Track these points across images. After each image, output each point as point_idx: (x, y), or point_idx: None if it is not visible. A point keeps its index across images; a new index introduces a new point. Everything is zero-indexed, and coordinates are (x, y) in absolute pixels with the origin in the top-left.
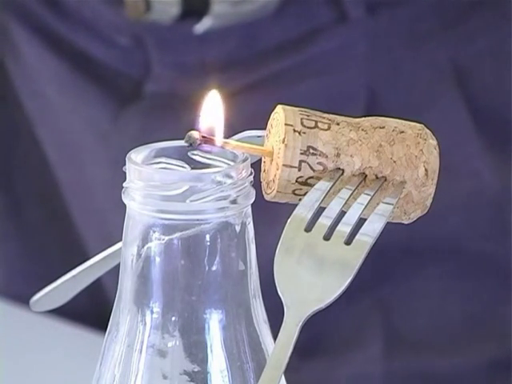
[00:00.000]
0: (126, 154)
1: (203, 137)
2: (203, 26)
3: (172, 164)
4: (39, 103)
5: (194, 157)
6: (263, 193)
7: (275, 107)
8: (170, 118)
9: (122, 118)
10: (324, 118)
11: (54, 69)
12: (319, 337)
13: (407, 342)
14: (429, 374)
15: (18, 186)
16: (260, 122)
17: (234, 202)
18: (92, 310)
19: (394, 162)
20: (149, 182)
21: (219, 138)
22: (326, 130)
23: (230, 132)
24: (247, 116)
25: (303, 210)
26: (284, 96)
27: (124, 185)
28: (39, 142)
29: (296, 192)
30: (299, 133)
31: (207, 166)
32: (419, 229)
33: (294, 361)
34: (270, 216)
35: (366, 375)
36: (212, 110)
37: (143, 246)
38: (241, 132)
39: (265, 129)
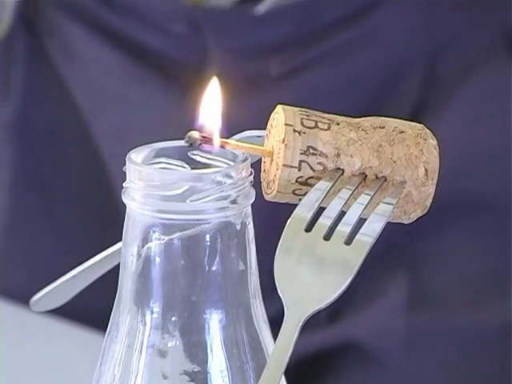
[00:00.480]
0: None
1: (203, 137)
2: (264, 6)
3: (172, 164)
4: (97, 100)
5: (193, 157)
6: (263, 193)
7: (277, 106)
8: (231, 105)
9: (186, 105)
10: (324, 118)
11: (112, 63)
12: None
13: (431, 297)
14: (451, 330)
15: (71, 184)
16: (323, 99)
17: (234, 202)
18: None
19: (394, 162)
20: (149, 182)
21: (219, 138)
22: (326, 129)
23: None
24: (310, 93)
25: (303, 210)
26: (342, 70)
27: (124, 185)
28: (92, 138)
29: (296, 192)
30: (299, 133)
31: (207, 165)
32: (448, 184)
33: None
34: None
35: (388, 328)
36: (212, 105)
37: (143, 246)
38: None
39: (320, 110)
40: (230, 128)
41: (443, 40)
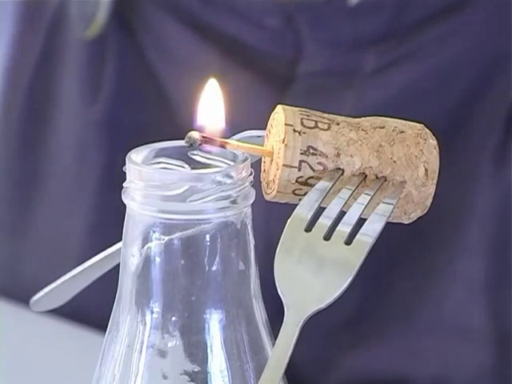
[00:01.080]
0: None
1: (203, 137)
2: None
3: (172, 164)
4: (192, 97)
5: (193, 157)
6: (263, 193)
7: (276, 108)
8: (329, 98)
9: (281, 100)
10: (324, 117)
11: (206, 60)
12: None
13: None
14: None
15: None
16: (416, 93)
17: (234, 202)
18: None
19: (394, 162)
20: (149, 182)
21: (219, 138)
22: (326, 129)
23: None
24: (403, 89)
25: (303, 210)
26: (436, 64)
27: (124, 185)
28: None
29: (296, 192)
30: (299, 133)
31: (207, 165)
32: None
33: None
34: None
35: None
36: (212, 104)
37: (143, 246)
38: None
39: (414, 105)
40: None
41: None
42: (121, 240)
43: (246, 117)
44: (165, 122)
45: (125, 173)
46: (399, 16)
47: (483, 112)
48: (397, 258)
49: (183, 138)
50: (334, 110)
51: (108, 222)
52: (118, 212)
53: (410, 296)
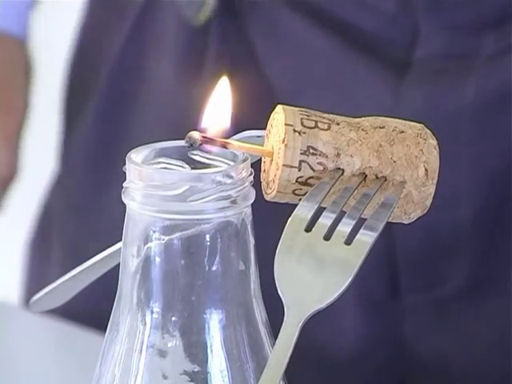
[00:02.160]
0: None
1: (203, 137)
2: None
3: (172, 164)
4: (298, 83)
5: (193, 157)
6: (263, 193)
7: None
8: (449, 83)
9: (402, 90)
10: (324, 117)
11: (317, 45)
12: None
13: None
14: None
15: None
16: None
17: (234, 202)
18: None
19: (394, 161)
20: (149, 182)
21: (219, 138)
22: (326, 129)
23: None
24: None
25: (303, 210)
26: None
27: (124, 185)
28: None
29: (296, 192)
30: (299, 133)
31: (207, 165)
32: None
33: None
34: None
35: None
36: (219, 105)
37: (143, 246)
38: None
39: None
40: (438, 104)
41: None
42: (121, 240)
43: (363, 102)
44: (267, 106)
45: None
46: None
47: None
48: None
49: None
50: (455, 96)
51: None
52: None
53: None
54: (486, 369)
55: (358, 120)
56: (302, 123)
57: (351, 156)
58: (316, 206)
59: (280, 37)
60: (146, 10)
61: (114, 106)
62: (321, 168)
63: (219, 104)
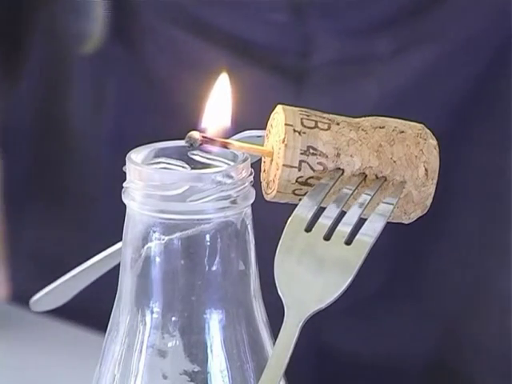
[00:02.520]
0: None
1: (203, 137)
2: None
3: (172, 164)
4: (200, 101)
5: (193, 157)
6: (263, 193)
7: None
8: (349, 88)
9: (303, 98)
10: (324, 117)
11: (213, 61)
12: None
13: None
14: None
15: None
16: (434, 74)
17: (234, 202)
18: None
19: (394, 161)
20: (149, 182)
21: (219, 138)
22: (326, 129)
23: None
24: (421, 69)
25: (303, 210)
26: (454, 38)
27: (124, 185)
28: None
29: (296, 192)
30: (299, 133)
31: (207, 165)
32: None
33: None
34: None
35: None
36: (219, 103)
37: (143, 246)
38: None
39: (435, 86)
40: (344, 108)
41: None
42: (121, 240)
43: (261, 114)
44: (174, 129)
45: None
46: None
47: (507, 79)
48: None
49: (183, 138)
50: (356, 100)
51: (118, 228)
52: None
53: None
54: (404, 365)
55: (357, 120)
56: (302, 123)
57: (351, 156)
58: (316, 206)
59: (178, 59)
60: (50, 41)
61: (43, 145)
62: (321, 168)
63: (218, 103)
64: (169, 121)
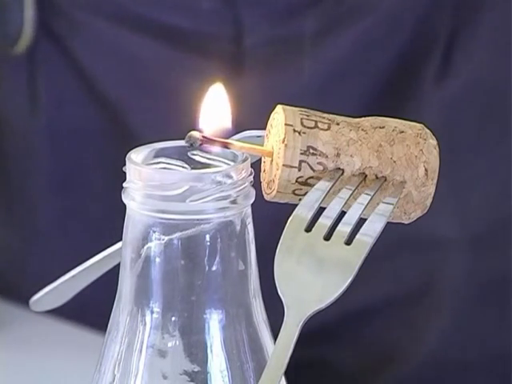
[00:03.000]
0: None
1: (203, 137)
2: None
3: (172, 164)
4: (132, 92)
5: (193, 157)
6: (263, 193)
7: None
8: (283, 67)
9: (240, 82)
10: (324, 117)
11: (143, 52)
12: None
13: None
14: None
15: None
16: (361, 52)
17: (234, 202)
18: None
19: (394, 161)
20: (149, 182)
21: (219, 138)
22: (326, 130)
23: None
24: (349, 48)
25: (303, 210)
26: (379, 11)
27: (124, 185)
28: (128, 133)
29: (296, 192)
30: (299, 133)
31: (207, 165)
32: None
33: None
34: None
35: None
36: (216, 105)
37: (143, 246)
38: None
39: (362, 64)
40: (281, 89)
41: None
42: (121, 240)
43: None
44: (108, 122)
45: (71, 175)
46: None
47: (425, 44)
48: None
49: (127, 134)
50: (293, 79)
51: (60, 226)
52: (69, 215)
53: None
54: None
55: (357, 120)
56: (301, 123)
57: (351, 156)
58: (316, 206)
59: (107, 52)
60: None
61: None
62: (321, 168)
63: (217, 105)
64: (103, 113)
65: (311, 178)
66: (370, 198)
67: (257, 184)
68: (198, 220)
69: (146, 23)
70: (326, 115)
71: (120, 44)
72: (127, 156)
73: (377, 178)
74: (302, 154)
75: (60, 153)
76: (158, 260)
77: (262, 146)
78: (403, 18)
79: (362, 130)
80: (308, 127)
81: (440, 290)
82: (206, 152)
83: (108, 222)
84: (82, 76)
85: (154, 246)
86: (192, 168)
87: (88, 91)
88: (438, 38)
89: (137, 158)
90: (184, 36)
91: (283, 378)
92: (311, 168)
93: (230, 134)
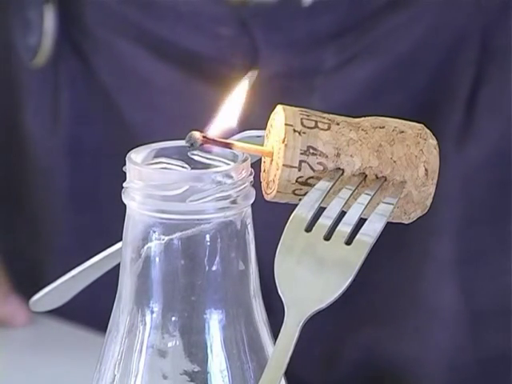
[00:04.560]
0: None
1: (204, 137)
2: None
3: (172, 164)
4: (150, 115)
5: (193, 157)
6: (263, 193)
7: (274, 107)
8: (293, 101)
9: (247, 109)
10: (324, 117)
11: (161, 75)
12: None
13: None
14: None
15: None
16: (380, 86)
17: (234, 202)
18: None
19: (394, 161)
20: (149, 182)
21: (220, 139)
22: (326, 129)
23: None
24: (364, 82)
25: (303, 210)
26: (397, 55)
27: (124, 185)
28: None
29: (296, 192)
30: (299, 133)
31: (207, 165)
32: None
33: None
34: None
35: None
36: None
37: (143, 246)
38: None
39: (381, 97)
40: None
41: (496, 12)
42: (121, 240)
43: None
44: (125, 142)
45: (90, 195)
46: (354, 10)
47: (446, 92)
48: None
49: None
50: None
51: (79, 244)
52: (88, 233)
53: (388, 279)
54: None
55: (357, 120)
56: (301, 123)
57: (351, 156)
58: (316, 206)
59: (127, 72)
60: (5, 55)
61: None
62: (321, 168)
63: (227, 106)
64: (120, 133)
65: (311, 178)
66: (370, 197)
67: (257, 184)
68: (198, 220)
69: (166, 47)
70: (326, 115)
71: (139, 66)
72: (127, 156)
73: (377, 177)
74: (302, 153)
75: (80, 170)
76: (158, 260)
77: (262, 145)
78: (421, 61)
79: (362, 129)
80: (308, 127)
81: None
82: (206, 152)
83: None
84: (102, 94)
85: (154, 245)
86: (192, 168)
87: (108, 110)
88: (459, 89)
89: (137, 158)
90: (201, 61)
91: (283, 378)
92: (311, 168)
93: (230, 134)
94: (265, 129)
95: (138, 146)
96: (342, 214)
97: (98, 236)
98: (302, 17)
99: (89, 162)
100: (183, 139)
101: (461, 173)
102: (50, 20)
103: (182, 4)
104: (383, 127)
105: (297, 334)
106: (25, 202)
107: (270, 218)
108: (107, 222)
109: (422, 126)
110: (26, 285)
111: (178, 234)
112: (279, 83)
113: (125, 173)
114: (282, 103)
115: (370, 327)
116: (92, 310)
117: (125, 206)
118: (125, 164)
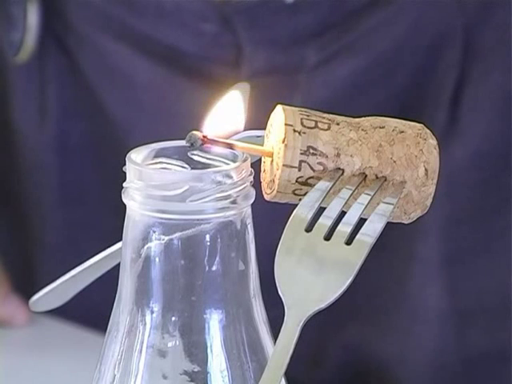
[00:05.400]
0: None
1: (204, 137)
2: None
3: (172, 164)
4: (133, 111)
5: (193, 157)
6: (263, 193)
7: (274, 106)
8: (276, 97)
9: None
10: (324, 117)
11: (145, 71)
12: None
13: None
14: None
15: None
16: (363, 83)
17: (234, 202)
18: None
19: (394, 161)
20: (149, 182)
21: (220, 138)
22: (326, 129)
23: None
24: (346, 80)
25: (303, 210)
26: (380, 52)
27: (124, 185)
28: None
29: (296, 192)
30: (299, 133)
31: (207, 165)
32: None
33: None
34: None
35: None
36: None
37: (143, 246)
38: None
39: (365, 94)
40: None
41: (483, 12)
42: (121, 240)
43: (192, 126)
44: (110, 138)
45: (78, 189)
46: (336, 8)
47: (429, 92)
48: None
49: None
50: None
51: (69, 239)
52: (78, 228)
53: (373, 279)
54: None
55: (357, 120)
56: (301, 123)
57: (351, 156)
58: (316, 206)
59: (110, 68)
60: None
61: None
62: (321, 168)
63: (229, 107)
64: (107, 129)
65: (311, 178)
66: (370, 197)
67: (257, 184)
68: (198, 220)
69: (149, 43)
70: (325, 115)
71: (122, 63)
72: (127, 156)
73: (377, 177)
74: (302, 153)
75: (69, 165)
76: (158, 260)
77: (262, 145)
78: (404, 59)
79: (362, 129)
80: (308, 127)
81: None
82: (206, 152)
83: (118, 234)
84: (87, 89)
85: (154, 246)
86: (192, 168)
87: (93, 105)
88: (442, 88)
89: (137, 158)
90: (184, 58)
91: (283, 379)
92: (311, 168)
93: (230, 135)
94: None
95: (120, 142)
96: (342, 213)
97: (87, 231)
98: (285, 14)
99: (77, 157)
100: (183, 139)
101: (445, 173)
102: (33, 16)
103: (165, 1)
104: (383, 127)
105: (297, 334)
106: (13, 198)
107: (270, 218)
108: (96, 216)
109: (422, 126)
110: (16, 281)
111: (177, 234)
112: (262, 80)
113: (113, 168)
114: (264, 100)
115: (355, 327)
116: (92, 310)
117: (113, 200)
118: (110, 160)
